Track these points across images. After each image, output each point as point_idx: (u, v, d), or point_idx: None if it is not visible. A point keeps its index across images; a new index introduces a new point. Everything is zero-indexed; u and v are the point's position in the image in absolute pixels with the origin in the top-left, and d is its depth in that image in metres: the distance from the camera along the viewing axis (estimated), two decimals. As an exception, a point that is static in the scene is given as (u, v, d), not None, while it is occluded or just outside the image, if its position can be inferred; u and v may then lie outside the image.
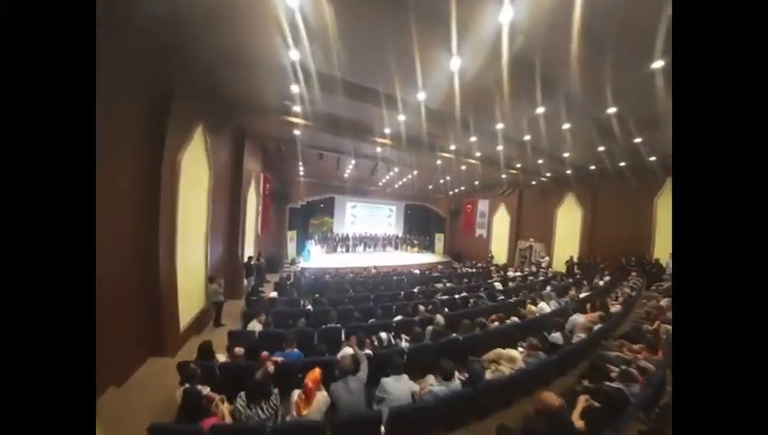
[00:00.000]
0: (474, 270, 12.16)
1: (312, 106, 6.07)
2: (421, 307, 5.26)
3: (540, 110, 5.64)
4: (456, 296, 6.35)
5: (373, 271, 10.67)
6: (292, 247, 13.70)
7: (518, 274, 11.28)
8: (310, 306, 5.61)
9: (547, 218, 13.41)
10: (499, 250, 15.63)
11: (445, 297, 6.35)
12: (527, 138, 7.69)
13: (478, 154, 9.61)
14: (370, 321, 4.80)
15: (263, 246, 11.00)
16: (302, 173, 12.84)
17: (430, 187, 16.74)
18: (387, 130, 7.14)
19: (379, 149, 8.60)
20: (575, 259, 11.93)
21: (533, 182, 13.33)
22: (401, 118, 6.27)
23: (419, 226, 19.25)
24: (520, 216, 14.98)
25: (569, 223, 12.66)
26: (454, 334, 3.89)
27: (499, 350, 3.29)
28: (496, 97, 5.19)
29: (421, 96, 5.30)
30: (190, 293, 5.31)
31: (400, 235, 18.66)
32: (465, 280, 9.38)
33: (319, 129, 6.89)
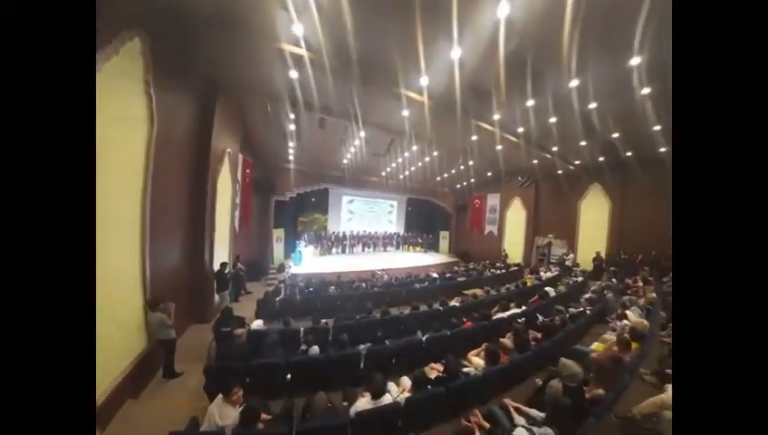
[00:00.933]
0: (499, 272, 10.39)
1: (315, 34, 3.90)
2: (505, 340, 3.26)
3: (574, 83, 4.85)
4: (541, 318, 4.39)
5: (385, 277, 8.54)
6: (279, 249, 11.25)
7: (549, 274, 9.69)
8: (317, 347, 3.42)
9: (569, 212, 12.20)
10: (513, 248, 14.25)
11: (521, 319, 4.35)
12: (553, 120, 6.74)
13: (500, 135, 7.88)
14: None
15: (242, 248, 8.56)
16: (291, 157, 10.41)
17: (438, 178, 14.87)
18: (423, 81, 5.03)
19: (405, 113, 6.46)
20: (602, 255, 10.74)
21: (559, 171, 11.74)
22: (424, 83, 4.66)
23: (422, 223, 17.44)
24: (537, 210, 13.65)
25: (594, 216, 11.51)
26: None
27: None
28: (528, 69, 4.50)
29: (456, 54, 4.06)
30: (114, 330, 2.98)
31: (402, 233, 16.66)
32: (494, 286, 7.51)
33: (323, 71, 4.65)
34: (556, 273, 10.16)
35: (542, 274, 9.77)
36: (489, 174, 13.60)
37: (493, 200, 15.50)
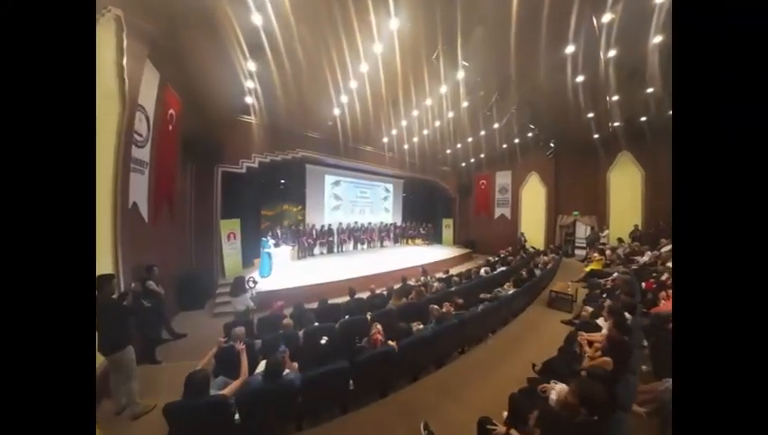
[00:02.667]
0: (542, 262, 7.94)
1: None
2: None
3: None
4: None
5: (411, 294, 5.13)
6: (233, 253, 7.09)
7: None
8: None
9: (597, 185, 10.83)
10: (532, 231, 12.34)
11: None
12: (580, 79, 6.05)
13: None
14: None
15: (160, 252, 4.51)
16: (250, 101, 6.35)
17: (447, 153, 12.18)
18: None
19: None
20: (640, 229, 9.56)
21: (584, 138, 9.91)
22: None
23: (421, 211, 14.55)
24: (558, 185, 11.98)
25: (626, 188, 10.25)
26: None
27: None
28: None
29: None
30: None
31: (399, 223, 13.43)
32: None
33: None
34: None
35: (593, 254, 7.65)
36: (504, 146, 11.36)
37: (503, 178, 13.46)
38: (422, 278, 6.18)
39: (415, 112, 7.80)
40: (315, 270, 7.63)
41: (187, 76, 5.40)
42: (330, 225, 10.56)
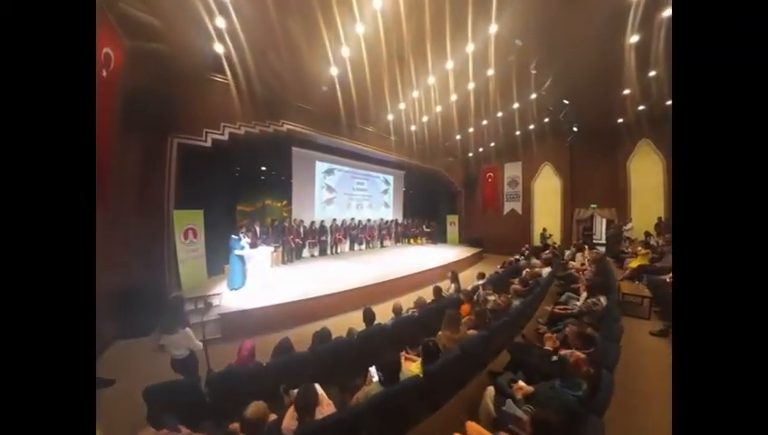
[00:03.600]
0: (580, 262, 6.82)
1: None
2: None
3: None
4: None
5: (465, 318, 3.69)
6: (190, 256, 5.29)
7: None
8: None
9: (616, 176, 10.14)
10: (547, 227, 11.34)
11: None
12: (635, 39, 5.15)
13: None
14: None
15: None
16: (219, 51, 4.61)
17: (447, 143, 10.99)
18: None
19: None
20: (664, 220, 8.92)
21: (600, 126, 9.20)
22: None
23: (423, 205, 13.17)
24: (573, 176, 11.10)
25: (647, 178, 9.66)
26: None
27: None
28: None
29: None
30: None
31: (400, 220, 11.94)
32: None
33: None
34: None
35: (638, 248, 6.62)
36: (518, 133, 10.36)
37: (513, 170, 12.44)
38: (451, 287, 4.72)
39: (431, 80, 6.39)
40: (305, 278, 5.96)
41: (137, 12, 3.66)
42: (322, 221, 8.84)
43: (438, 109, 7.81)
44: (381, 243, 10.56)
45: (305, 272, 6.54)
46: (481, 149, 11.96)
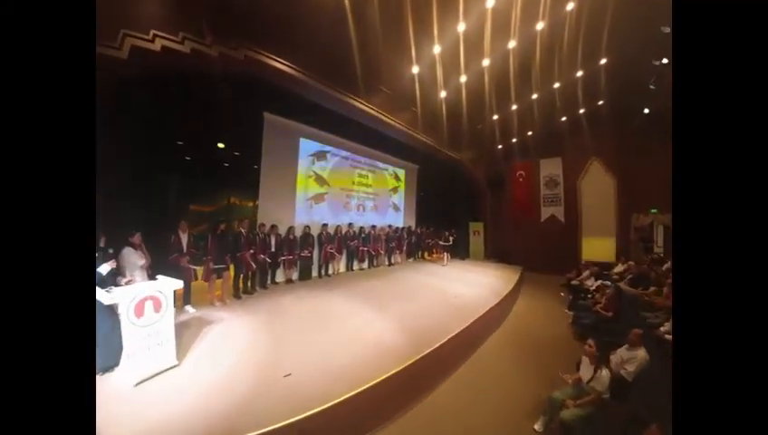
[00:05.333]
0: None
1: None
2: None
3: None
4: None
5: None
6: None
7: None
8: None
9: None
10: (598, 235, 9.44)
11: None
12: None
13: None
14: None
15: None
16: None
17: (480, 126, 8.63)
18: None
19: None
20: None
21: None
22: None
23: (441, 209, 10.70)
24: (627, 176, 9.10)
25: None
26: None
27: None
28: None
29: None
30: None
31: (413, 227, 9.26)
32: None
33: None
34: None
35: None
36: (563, 119, 8.43)
37: (551, 167, 10.22)
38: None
39: (461, 26, 3.92)
40: (266, 340, 3.07)
41: None
42: (307, 227, 5.99)
43: (468, 76, 5.31)
44: (390, 259, 7.84)
45: (270, 321, 3.59)
46: (514, 140, 9.55)
